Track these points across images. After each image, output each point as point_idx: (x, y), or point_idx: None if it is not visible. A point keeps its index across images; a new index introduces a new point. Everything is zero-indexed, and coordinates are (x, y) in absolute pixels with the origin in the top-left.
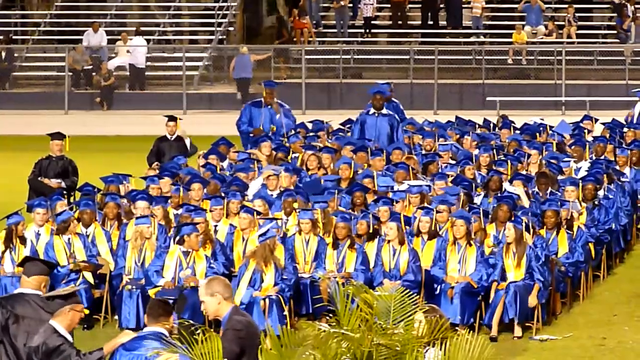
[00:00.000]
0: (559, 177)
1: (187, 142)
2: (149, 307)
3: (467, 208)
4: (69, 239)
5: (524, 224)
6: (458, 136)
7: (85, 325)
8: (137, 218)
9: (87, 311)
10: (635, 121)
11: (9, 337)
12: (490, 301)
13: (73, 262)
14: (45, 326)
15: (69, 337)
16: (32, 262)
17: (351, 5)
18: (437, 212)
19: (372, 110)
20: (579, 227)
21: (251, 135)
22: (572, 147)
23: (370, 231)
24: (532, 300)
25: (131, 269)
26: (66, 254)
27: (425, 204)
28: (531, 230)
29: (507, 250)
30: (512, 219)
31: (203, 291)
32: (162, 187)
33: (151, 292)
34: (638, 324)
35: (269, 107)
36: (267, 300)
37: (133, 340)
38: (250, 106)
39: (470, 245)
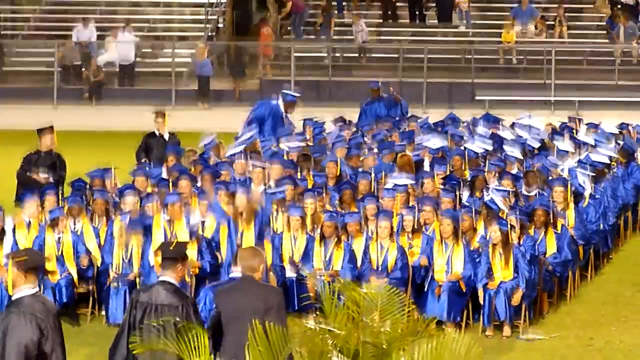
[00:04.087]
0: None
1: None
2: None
3: (460, 206)
4: (59, 237)
5: (509, 224)
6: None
7: (71, 321)
8: (121, 214)
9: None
10: None
11: None
12: (480, 300)
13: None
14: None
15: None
16: None
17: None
18: (423, 210)
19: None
20: (562, 225)
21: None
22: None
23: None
24: (516, 299)
25: (119, 265)
26: (54, 251)
27: (411, 202)
28: (518, 229)
29: (494, 250)
30: (497, 220)
31: None
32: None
33: None
34: (625, 325)
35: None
36: None
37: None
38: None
39: (458, 244)
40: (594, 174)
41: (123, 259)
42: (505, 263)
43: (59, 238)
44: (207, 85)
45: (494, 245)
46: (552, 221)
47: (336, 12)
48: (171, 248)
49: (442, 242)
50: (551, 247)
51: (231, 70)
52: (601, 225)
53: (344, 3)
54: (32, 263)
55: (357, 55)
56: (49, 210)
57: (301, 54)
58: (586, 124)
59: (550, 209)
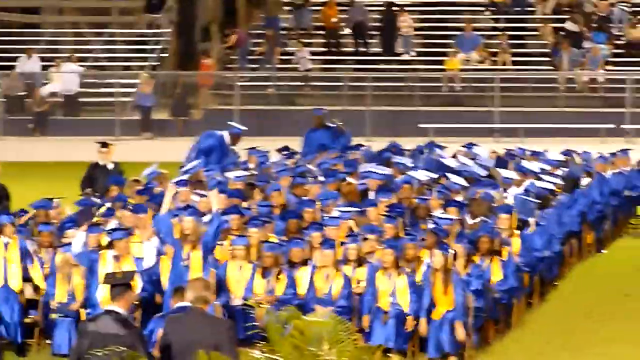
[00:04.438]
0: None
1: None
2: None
3: (404, 234)
4: (6, 243)
5: (451, 250)
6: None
7: (18, 353)
8: (62, 246)
9: None
10: None
11: None
12: (421, 331)
13: None
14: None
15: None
16: None
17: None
18: (365, 239)
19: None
20: (509, 253)
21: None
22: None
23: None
24: (460, 334)
25: (62, 297)
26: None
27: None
28: (464, 258)
29: (436, 277)
30: (440, 245)
31: None
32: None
33: None
34: (571, 351)
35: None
36: None
37: None
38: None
39: (399, 274)
40: (538, 201)
41: (67, 291)
42: (444, 290)
43: (7, 244)
44: (149, 116)
45: (436, 270)
46: (497, 249)
47: (280, 42)
48: (118, 277)
49: (384, 271)
50: (496, 275)
51: (173, 109)
52: (546, 253)
53: (286, 33)
54: None
55: (300, 84)
56: None
57: (245, 83)
58: (531, 152)
59: (494, 237)
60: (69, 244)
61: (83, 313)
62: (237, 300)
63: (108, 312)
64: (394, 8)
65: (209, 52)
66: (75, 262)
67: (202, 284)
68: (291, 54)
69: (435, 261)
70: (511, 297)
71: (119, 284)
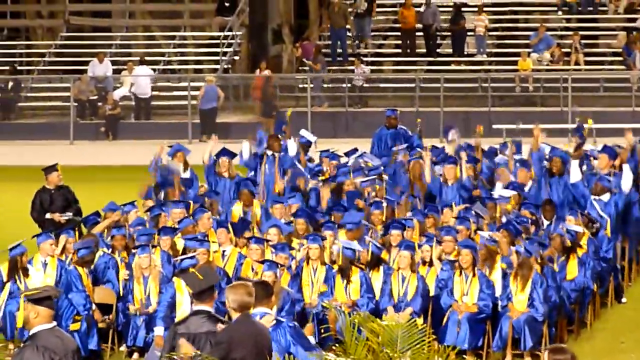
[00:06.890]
0: None
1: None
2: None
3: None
4: (87, 272)
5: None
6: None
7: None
8: (135, 248)
9: None
10: None
11: None
12: (497, 325)
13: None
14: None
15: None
16: None
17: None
18: (441, 242)
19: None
20: (584, 253)
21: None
22: None
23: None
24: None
25: (137, 300)
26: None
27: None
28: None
29: (515, 275)
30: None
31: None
32: (174, 217)
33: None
34: None
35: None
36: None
37: None
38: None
39: (475, 274)
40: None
41: (144, 294)
42: (521, 287)
43: (87, 272)
44: (214, 119)
45: (515, 269)
46: (572, 246)
47: (354, 42)
48: (200, 280)
49: (461, 272)
50: (571, 273)
51: (262, 110)
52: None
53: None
54: (45, 297)
55: (374, 85)
56: (78, 247)
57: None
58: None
59: (567, 236)
60: (141, 245)
61: None
62: (311, 304)
63: (196, 312)
64: (464, 9)
65: (265, 63)
66: (144, 265)
67: (246, 290)
68: (364, 55)
69: (512, 260)
70: (585, 296)
71: (205, 288)
